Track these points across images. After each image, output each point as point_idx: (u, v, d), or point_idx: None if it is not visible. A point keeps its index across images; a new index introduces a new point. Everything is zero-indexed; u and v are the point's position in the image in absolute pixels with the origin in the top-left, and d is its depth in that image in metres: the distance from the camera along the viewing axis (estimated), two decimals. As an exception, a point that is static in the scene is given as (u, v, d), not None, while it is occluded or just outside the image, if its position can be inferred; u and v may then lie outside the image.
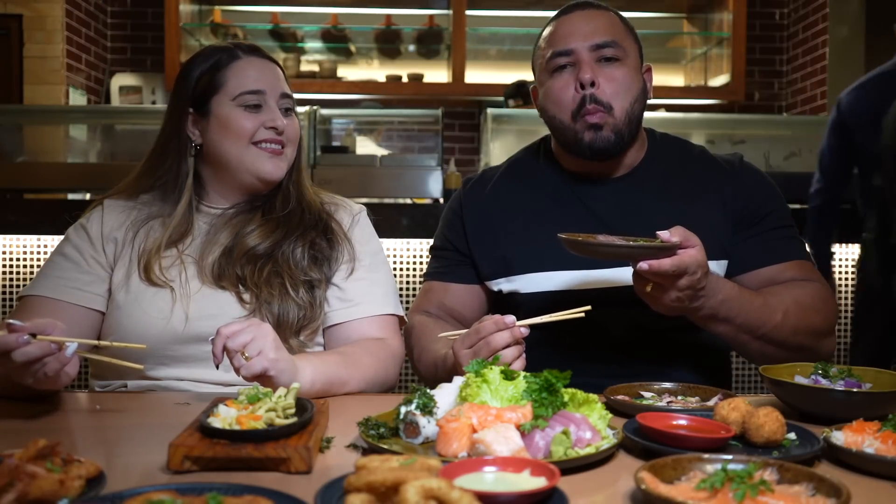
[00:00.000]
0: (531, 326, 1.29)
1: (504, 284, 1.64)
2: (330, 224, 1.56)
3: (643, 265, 1.27)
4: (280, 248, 1.50)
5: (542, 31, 1.65)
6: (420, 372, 1.60)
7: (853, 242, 2.80)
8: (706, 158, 1.67)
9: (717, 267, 1.56)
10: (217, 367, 1.23)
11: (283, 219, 1.53)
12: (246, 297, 1.45)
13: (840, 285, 2.85)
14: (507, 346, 1.27)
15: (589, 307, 1.32)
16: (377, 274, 1.57)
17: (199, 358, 1.42)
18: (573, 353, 1.58)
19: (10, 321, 1.13)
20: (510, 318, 1.28)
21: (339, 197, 1.66)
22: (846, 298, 2.86)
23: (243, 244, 1.49)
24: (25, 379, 1.15)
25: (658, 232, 1.30)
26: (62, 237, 1.55)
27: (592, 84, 1.53)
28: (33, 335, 1.11)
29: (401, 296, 2.44)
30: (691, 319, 1.43)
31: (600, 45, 1.55)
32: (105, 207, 1.55)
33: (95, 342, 1.29)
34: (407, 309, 1.64)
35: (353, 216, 1.61)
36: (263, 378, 1.20)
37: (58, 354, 1.13)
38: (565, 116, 1.57)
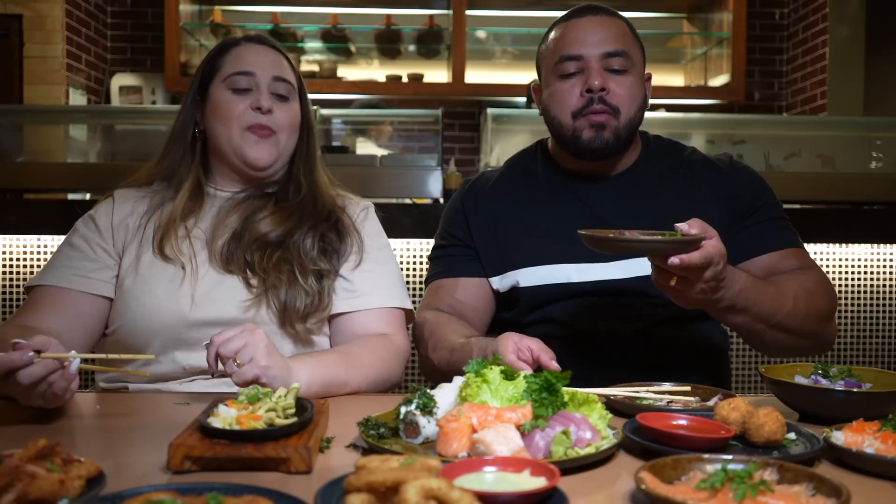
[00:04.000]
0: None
1: (504, 279, 1.65)
2: (341, 217, 1.57)
3: (675, 260, 1.25)
4: (291, 237, 1.50)
5: (550, 31, 1.66)
6: (433, 363, 1.57)
7: (854, 242, 2.80)
8: (698, 157, 1.71)
9: None
10: (212, 376, 1.23)
11: (296, 207, 1.54)
12: (253, 281, 1.45)
13: (841, 286, 2.84)
14: None
15: (696, 398, 1.30)
16: (385, 267, 1.57)
17: (203, 340, 1.40)
18: (572, 345, 1.59)
19: (16, 340, 1.13)
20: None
21: (348, 193, 1.67)
22: (846, 299, 2.86)
23: (255, 230, 1.49)
24: (34, 400, 1.15)
25: (677, 225, 1.29)
26: (69, 232, 1.56)
27: (602, 90, 1.56)
28: (38, 352, 1.11)
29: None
30: (710, 312, 1.44)
31: (610, 54, 1.57)
32: (116, 199, 1.57)
33: (103, 355, 1.29)
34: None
35: (360, 209, 1.62)
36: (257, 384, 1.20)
37: (63, 372, 1.13)
38: (566, 116, 1.59)
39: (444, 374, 1.55)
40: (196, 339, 1.42)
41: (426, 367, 1.62)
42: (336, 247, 1.53)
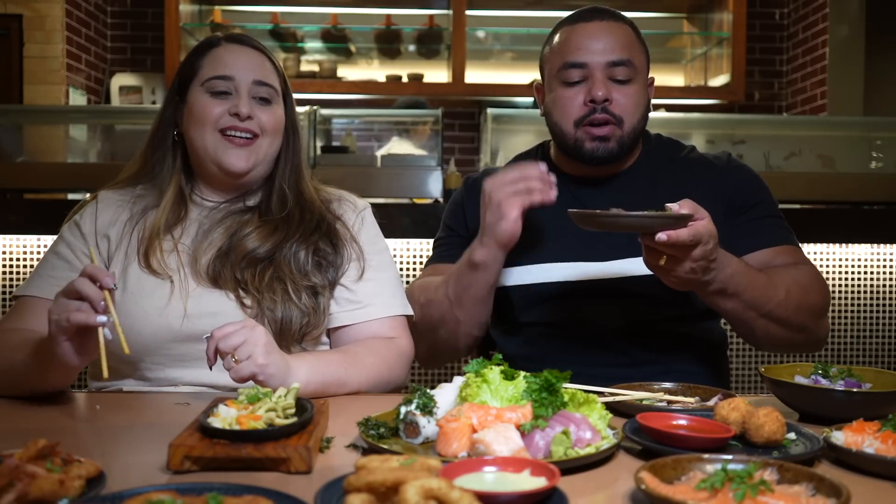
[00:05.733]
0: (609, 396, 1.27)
1: (502, 277, 1.65)
2: (334, 225, 1.53)
3: (661, 236, 1.27)
4: (281, 251, 1.46)
5: (555, 33, 1.65)
6: (427, 313, 1.59)
7: (854, 243, 2.80)
8: (696, 156, 1.72)
9: None
10: (210, 369, 1.22)
11: (282, 220, 1.49)
12: (247, 301, 1.42)
13: (841, 286, 2.84)
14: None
15: (696, 398, 1.29)
16: (384, 273, 1.54)
17: (197, 357, 1.39)
18: (569, 344, 1.60)
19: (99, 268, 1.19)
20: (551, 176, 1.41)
21: (341, 192, 1.62)
22: (846, 299, 2.86)
23: (242, 246, 1.45)
24: (52, 314, 1.16)
25: (667, 204, 1.31)
26: (56, 238, 1.53)
27: (605, 100, 1.55)
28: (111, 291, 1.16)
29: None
30: (701, 295, 1.45)
31: (615, 63, 1.56)
32: (99, 201, 1.53)
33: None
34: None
35: (357, 213, 1.58)
36: (254, 381, 1.20)
37: (87, 315, 1.14)
38: (568, 124, 1.59)
39: (437, 331, 1.60)
40: (188, 353, 1.39)
41: (421, 325, 1.60)
42: (331, 259, 1.49)
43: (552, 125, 1.64)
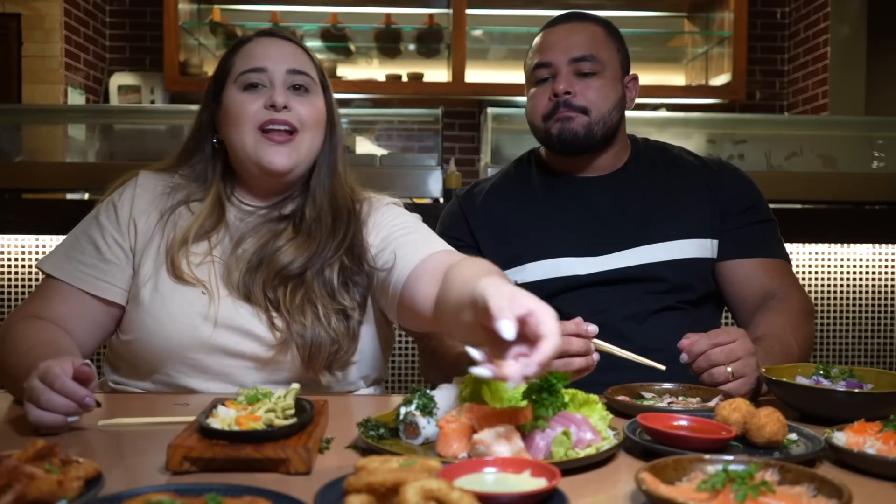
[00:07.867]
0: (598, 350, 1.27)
1: (510, 275, 1.66)
2: (360, 234, 1.46)
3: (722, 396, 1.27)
4: (312, 268, 1.39)
5: (535, 38, 1.74)
6: (440, 370, 1.56)
7: (855, 242, 2.80)
8: (688, 155, 1.78)
9: (709, 245, 1.65)
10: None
11: (315, 228, 1.43)
12: (278, 322, 1.36)
13: (841, 286, 2.84)
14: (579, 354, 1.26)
15: (664, 367, 1.30)
16: (421, 228, 1.47)
17: (219, 370, 1.36)
18: None
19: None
20: (593, 328, 1.27)
21: (373, 194, 1.55)
22: (847, 299, 2.86)
23: (275, 262, 1.38)
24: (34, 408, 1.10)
25: (681, 344, 1.31)
26: (93, 210, 1.48)
27: (567, 93, 1.62)
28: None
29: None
30: None
31: (577, 59, 1.64)
32: (138, 184, 1.47)
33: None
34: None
35: (380, 207, 1.51)
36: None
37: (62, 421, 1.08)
38: (538, 119, 1.68)
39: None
40: (213, 366, 1.36)
41: (429, 375, 1.62)
42: (357, 279, 1.42)
43: (529, 123, 1.72)
